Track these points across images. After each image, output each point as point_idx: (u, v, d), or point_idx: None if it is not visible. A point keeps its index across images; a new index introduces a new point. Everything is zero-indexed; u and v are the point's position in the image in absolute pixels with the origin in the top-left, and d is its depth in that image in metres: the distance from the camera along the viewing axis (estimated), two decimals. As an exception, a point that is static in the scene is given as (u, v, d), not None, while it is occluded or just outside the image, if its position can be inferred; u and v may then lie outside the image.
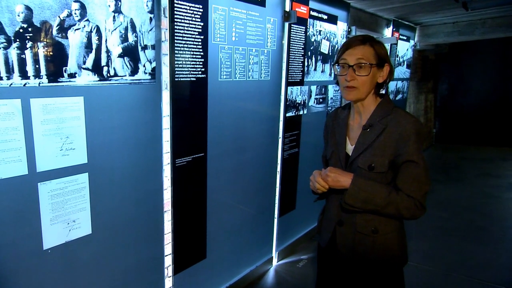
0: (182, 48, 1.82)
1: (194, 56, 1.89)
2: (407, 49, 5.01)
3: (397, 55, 4.67)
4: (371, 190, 1.23)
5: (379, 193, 1.22)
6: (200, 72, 1.94)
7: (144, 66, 1.68)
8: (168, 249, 2.01)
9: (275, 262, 2.91)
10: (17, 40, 1.24)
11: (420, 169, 1.21)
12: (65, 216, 1.48)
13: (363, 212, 1.28)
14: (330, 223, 1.41)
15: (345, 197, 1.25)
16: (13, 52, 1.24)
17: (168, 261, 2.03)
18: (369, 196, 1.23)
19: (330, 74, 3.19)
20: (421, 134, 1.22)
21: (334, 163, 1.37)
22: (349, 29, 3.35)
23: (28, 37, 1.27)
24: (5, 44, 1.21)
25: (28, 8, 1.25)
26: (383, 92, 1.35)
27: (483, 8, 3.95)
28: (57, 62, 1.36)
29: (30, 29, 1.27)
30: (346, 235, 1.35)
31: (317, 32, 2.90)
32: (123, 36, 1.57)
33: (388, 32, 4.44)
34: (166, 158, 1.90)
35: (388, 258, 1.32)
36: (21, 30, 1.24)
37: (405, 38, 4.82)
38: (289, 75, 2.66)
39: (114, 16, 1.52)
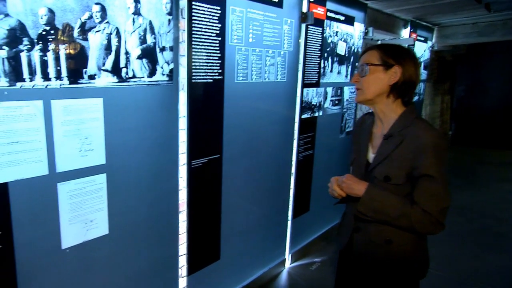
0: (199, 50, 1.82)
1: (211, 57, 1.89)
2: (424, 50, 4.92)
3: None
4: (384, 201, 1.22)
5: (392, 205, 1.21)
6: (217, 74, 1.94)
7: (162, 67, 1.68)
8: (182, 249, 2.01)
9: (288, 264, 2.90)
10: (40, 42, 1.25)
11: (438, 184, 1.16)
12: (83, 216, 1.50)
13: (377, 222, 1.27)
14: (348, 228, 1.40)
15: (358, 205, 1.25)
16: (35, 54, 1.25)
17: (183, 261, 2.04)
18: (381, 207, 1.22)
19: (346, 76, 3.16)
20: (440, 148, 1.17)
21: (355, 170, 1.37)
22: (366, 30, 3.31)
23: (50, 39, 1.28)
24: (29, 46, 1.23)
25: (51, 11, 1.26)
26: (410, 101, 1.31)
27: (506, 9, 3.85)
28: (77, 64, 1.38)
29: (52, 32, 1.28)
30: (361, 242, 1.35)
31: (333, 33, 2.87)
32: (142, 37, 1.58)
33: (405, 33, 4.37)
34: (182, 159, 1.90)
35: (402, 270, 1.30)
36: (43, 33, 1.26)
37: (422, 39, 4.74)
38: (305, 77, 2.64)
39: (133, 18, 1.53)
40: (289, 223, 2.82)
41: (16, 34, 1.19)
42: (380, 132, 1.32)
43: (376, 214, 1.23)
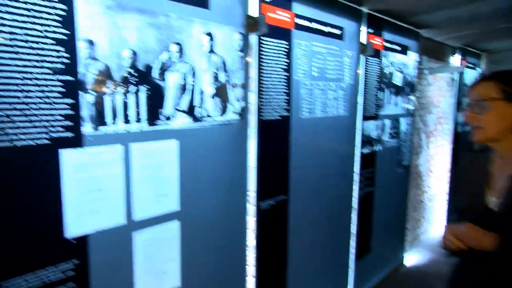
0: (268, 86, 1.75)
1: (279, 93, 1.81)
2: (474, 78, 4.71)
3: (465, 84, 4.40)
4: None
5: None
6: (284, 110, 1.85)
7: (233, 105, 1.61)
8: (249, 299, 1.85)
9: (351, 312, 2.65)
10: (123, 85, 1.20)
11: None
12: (156, 266, 1.38)
13: None
14: (468, 285, 1.20)
15: (491, 260, 1.05)
16: (118, 97, 1.20)
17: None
18: None
19: (402, 107, 3.01)
20: None
21: (471, 216, 1.18)
22: (420, 59, 3.18)
23: (132, 81, 1.23)
24: (113, 89, 1.18)
25: (134, 53, 1.22)
26: None
27: None
28: (155, 105, 1.32)
29: (134, 74, 1.23)
30: None
31: (390, 63, 2.76)
32: (215, 76, 1.52)
33: (453, 60, 4.21)
34: (251, 200, 1.78)
35: None
36: (126, 75, 1.21)
37: (472, 66, 4.55)
38: (365, 109, 2.51)
39: (208, 56, 1.48)
40: (352, 264, 2.60)
41: (102, 78, 1.14)
42: (505, 172, 1.14)
43: None
